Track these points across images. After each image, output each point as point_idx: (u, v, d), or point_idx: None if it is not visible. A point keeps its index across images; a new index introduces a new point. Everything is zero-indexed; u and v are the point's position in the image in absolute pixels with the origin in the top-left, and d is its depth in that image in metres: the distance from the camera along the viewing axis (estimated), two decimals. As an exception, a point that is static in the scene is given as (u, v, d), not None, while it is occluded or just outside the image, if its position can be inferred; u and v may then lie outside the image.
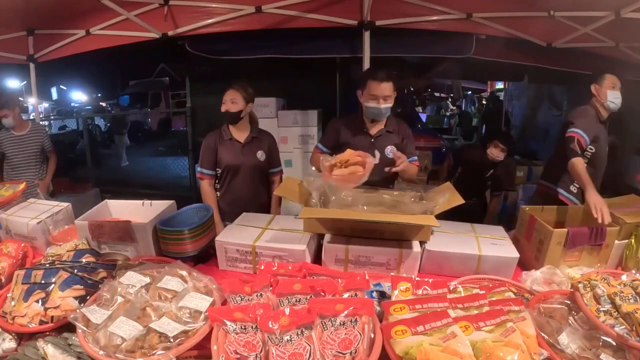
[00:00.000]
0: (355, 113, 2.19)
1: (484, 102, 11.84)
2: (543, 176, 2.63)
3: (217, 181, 2.28)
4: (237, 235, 1.61)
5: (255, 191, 2.28)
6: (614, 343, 1.02)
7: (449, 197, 1.58)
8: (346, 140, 2.09)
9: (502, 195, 3.21)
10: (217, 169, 2.24)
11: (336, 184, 1.59)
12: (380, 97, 1.95)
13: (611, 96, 2.23)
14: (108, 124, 9.69)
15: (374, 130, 2.10)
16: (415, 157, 2.17)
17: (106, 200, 1.97)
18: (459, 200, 1.58)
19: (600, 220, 1.57)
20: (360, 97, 2.05)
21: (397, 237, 1.53)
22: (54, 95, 16.75)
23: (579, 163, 1.96)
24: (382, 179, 2.00)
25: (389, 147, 2.07)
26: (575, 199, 2.32)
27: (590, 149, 2.24)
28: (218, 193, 2.29)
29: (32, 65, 3.56)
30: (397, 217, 1.46)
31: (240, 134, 2.23)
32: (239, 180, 2.23)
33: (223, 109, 2.15)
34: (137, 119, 12.17)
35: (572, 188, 2.35)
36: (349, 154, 1.68)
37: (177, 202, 1.89)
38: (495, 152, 2.95)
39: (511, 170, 3.25)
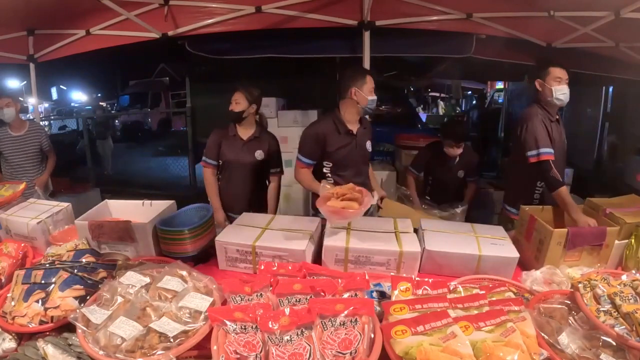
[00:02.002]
0: (329, 116, 2.13)
1: (474, 102, 11.74)
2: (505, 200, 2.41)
3: (219, 173, 2.40)
4: (237, 235, 1.61)
5: (251, 188, 2.38)
6: (614, 343, 1.02)
7: None
8: (334, 146, 2.07)
9: (476, 180, 3.09)
10: (220, 161, 2.36)
11: (326, 216, 1.56)
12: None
13: (557, 92, 2.04)
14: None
15: (355, 128, 2.12)
16: None
17: (106, 200, 1.97)
18: None
19: None
20: (353, 95, 2.01)
21: None
22: (54, 95, 16.79)
23: (564, 192, 1.87)
24: (361, 172, 2.19)
25: (367, 142, 2.20)
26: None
27: None
28: (219, 184, 2.40)
29: (32, 65, 3.56)
30: None
31: (244, 132, 2.34)
32: (236, 175, 2.34)
33: (229, 108, 2.28)
34: (137, 119, 12.19)
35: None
36: (347, 188, 1.62)
37: (177, 202, 1.90)
38: (452, 151, 2.85)
39: (473, 159, 3.03)
